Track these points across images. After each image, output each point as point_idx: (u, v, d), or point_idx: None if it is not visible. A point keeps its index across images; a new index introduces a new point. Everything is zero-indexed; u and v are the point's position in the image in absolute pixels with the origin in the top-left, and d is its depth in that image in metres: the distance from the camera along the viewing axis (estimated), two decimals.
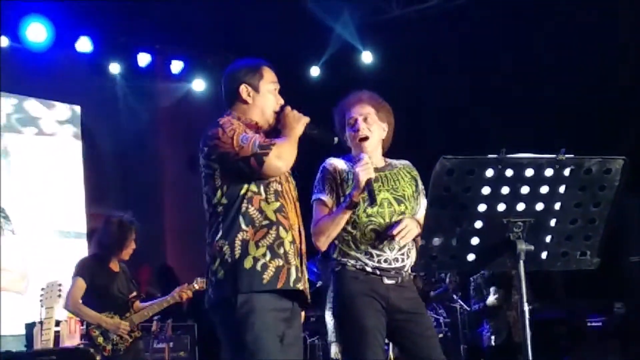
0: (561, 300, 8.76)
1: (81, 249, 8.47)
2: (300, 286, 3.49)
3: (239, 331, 3.34)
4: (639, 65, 7.94)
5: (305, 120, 3.62)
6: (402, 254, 4.02)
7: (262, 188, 3.47)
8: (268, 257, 3.39)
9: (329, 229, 3.92)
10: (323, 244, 3.96)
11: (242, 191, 3.45)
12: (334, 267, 4.06)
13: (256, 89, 3.66)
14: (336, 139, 3.80)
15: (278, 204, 3.49)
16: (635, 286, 7.91)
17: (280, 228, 3.46)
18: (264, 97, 3.67)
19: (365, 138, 4.05)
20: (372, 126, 4.07)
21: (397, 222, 3.94)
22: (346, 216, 3.91)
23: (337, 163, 4.08)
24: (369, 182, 3.84)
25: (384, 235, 3.97)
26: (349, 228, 3.98)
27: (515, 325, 7.29)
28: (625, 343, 7.68)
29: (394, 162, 4.23)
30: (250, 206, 3.43)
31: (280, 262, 3.42)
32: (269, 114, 3.66)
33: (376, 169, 4.07)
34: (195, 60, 10.16)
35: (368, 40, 9.99)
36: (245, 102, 3.66)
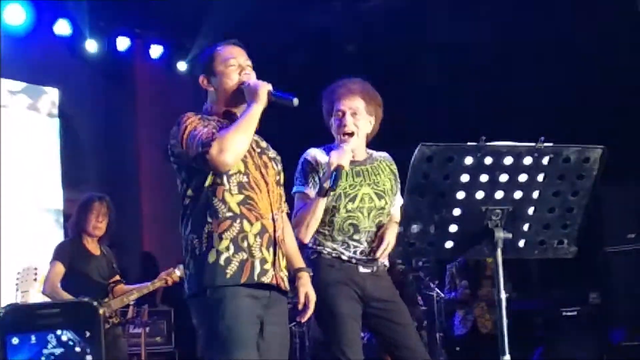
0: (536, 290, 8.82)
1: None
2: (265, 279, 3.33)
3: (211, 321, 3.27)
4: (618, 56, 7.97)
5: (266, 88, 3.39)
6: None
7: (224, 178, 3.33)
8: (232, 250, 3.29)
9: (306, 218, 3.91)
10: (303, 234, 3.93)
11: (207, 183, 3.33)
12: (309, 255, 4.04)
13: (211, 74, 3.52)
14: (296, 100, 3.41)
15: (241, 196, 3.35)
16: (610, 276, 7.95)
17: (245, 221, 3.33)
18: (220, 78, 3.49)
19: (351, 134, 4.04)
20: (360, 122, 4.06)
21: (380, 238, 4.00)
22: (321, 204, 3.90)
23: (318, 155, 4.06)
24: (337, 168, 3.83)
25: (362, 230, 4.01)
26: (327, 221, 3.98)
27: (481, 316, 7.37)
28: (600, 333, 7.73)
29: (375, 154, 4.24)
30: (214, 197, 3.32)
31: (244, 255, 3.30)
32: (231, 88, 3.47)
33: (358, 162, 4.10)
34: (174, 45, 10.10)
35: (348, 28, 9.98)
36: (208, 91, 3.56)
